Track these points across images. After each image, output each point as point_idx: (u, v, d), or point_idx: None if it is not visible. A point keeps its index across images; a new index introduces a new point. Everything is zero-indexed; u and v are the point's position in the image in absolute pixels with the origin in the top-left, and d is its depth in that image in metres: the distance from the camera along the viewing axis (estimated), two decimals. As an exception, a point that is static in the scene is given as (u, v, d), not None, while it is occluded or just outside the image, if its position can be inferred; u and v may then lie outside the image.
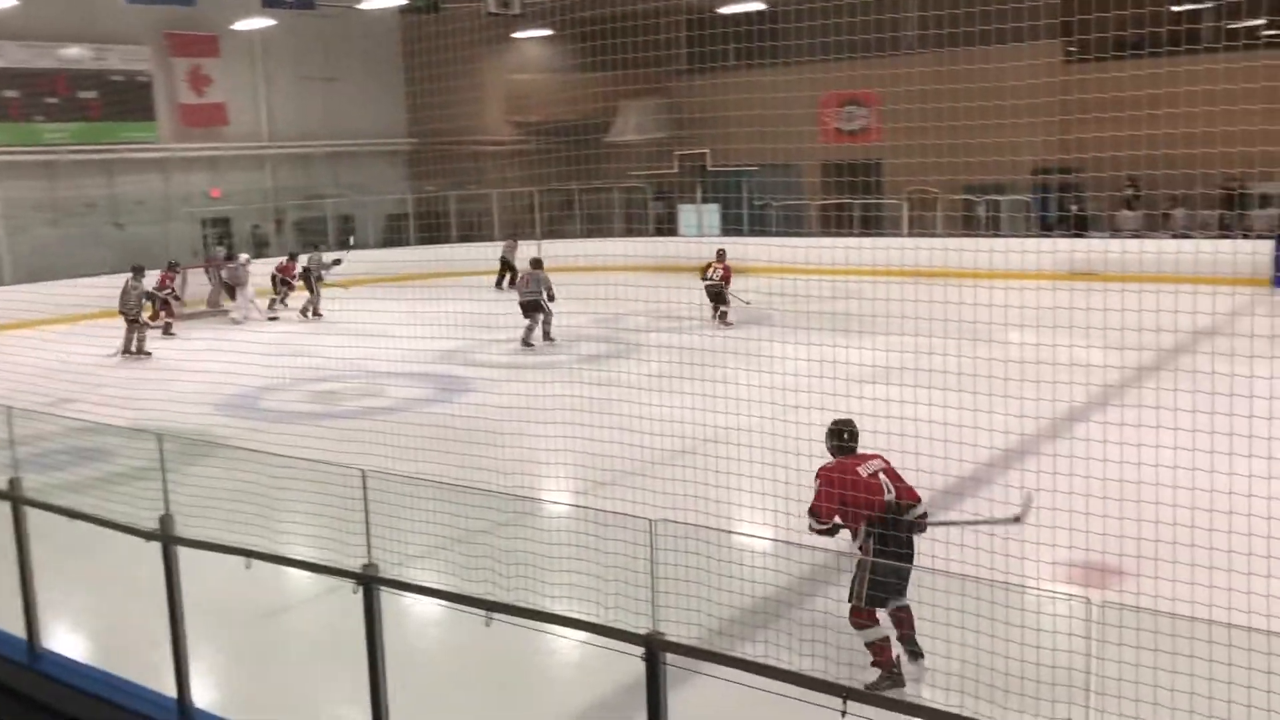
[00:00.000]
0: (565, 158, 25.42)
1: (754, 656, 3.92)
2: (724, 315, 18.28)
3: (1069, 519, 6.38)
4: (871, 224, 23.52)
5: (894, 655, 5.72)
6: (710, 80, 25.28)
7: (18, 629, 6.07)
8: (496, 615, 4.40)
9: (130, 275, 18.12)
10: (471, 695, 6.13)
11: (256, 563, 5.26)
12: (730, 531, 7.08)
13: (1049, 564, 6.63)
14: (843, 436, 6.14)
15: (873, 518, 5.75)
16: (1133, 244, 19.02)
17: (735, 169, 26.41)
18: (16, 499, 6.00)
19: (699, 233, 27.58)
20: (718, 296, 18.43)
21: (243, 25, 24.92)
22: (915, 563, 5.82)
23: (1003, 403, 7.96)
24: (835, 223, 24.19)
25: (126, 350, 17.47)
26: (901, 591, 5.76)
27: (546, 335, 17.47)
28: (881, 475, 5.92)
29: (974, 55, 18.61)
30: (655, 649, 3.94)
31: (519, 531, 6.05)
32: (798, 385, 9.76)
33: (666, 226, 28.75)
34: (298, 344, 15.77)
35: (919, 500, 5.98)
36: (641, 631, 4.01)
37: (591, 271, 26.46)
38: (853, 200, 23.71)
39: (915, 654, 5.81)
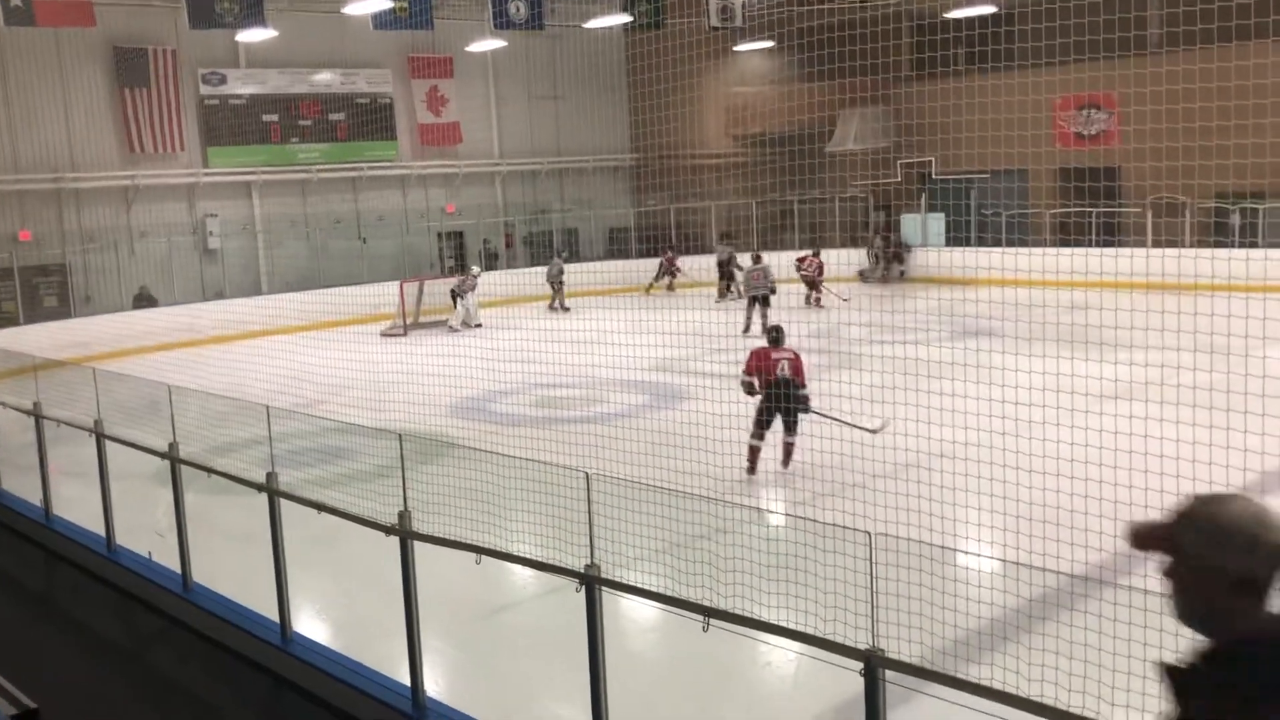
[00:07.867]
0: (784, 169, 25.30)
1: (979, 679, 3.76)
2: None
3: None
4: (1110, 232, 22.21)
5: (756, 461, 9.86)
6: (936, 85, 24.58)
7: (271, 612, 6.55)
8: (714, 621, 4.40)
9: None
10: (688, 701, 6.16)
11: (485, 559, 5.48)
12: (956, 550, 6.83)
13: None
14: (772, 334, 10.59)
15: (769, 382, 9.96)
16: None
17: (962, 176, 25.57)
18: (273, 491, 6.48)
19: (922, 242, 26.89)
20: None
21: (477, 47, 26.07)
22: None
23: (1259, 422, 7.34)
24: (1070, 230, 23.01)
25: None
26: (789, 428, 9.96)
27: (764, 328, 17.99)
28: (784, 362, 10.02)
29: (1228, 53, 17.31)
30: (875, 665, 3.85)
31: (737, 539, 6.04)
32: (1030, 400, 9.32)
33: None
34: (527, 351, 16.34)
35: (804, 385, 10.11)
36: (861, 647, 3.93)
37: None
38: (1090, 207, 22.48)
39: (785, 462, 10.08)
